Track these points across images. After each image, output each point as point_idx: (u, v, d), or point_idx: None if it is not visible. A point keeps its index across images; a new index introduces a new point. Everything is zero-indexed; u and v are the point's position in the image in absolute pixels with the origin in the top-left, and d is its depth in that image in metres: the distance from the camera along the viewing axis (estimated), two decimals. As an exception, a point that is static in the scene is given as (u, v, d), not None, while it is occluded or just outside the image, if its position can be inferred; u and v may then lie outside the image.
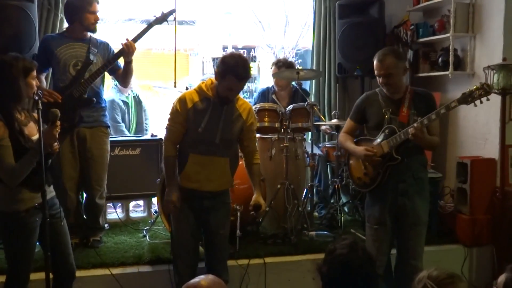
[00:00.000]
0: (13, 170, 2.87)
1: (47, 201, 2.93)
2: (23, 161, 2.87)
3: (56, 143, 2.98)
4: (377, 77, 3.41)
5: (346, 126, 3.67)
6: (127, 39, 4.03)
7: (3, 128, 2.86)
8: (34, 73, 3.03)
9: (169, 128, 3.30)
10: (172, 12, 4.20)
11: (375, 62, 3.37)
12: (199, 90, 3.28)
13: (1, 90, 2.94)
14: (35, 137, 2.97)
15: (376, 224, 3.41)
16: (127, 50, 4.02)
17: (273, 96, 5.08)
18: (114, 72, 4.26)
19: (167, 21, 4.20)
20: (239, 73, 3.13)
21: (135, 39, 4.08)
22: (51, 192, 3.10)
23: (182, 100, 3.24)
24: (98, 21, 4.11)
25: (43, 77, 4.21)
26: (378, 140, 3.37)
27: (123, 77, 4.26)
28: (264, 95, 5.19)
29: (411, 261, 3.37)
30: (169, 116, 3.30)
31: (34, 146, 2.89)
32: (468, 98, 3.11)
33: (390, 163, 3.30)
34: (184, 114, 3.23)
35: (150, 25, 4.17)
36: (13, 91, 2.92)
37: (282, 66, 5.05)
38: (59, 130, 2.93)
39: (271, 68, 5.20)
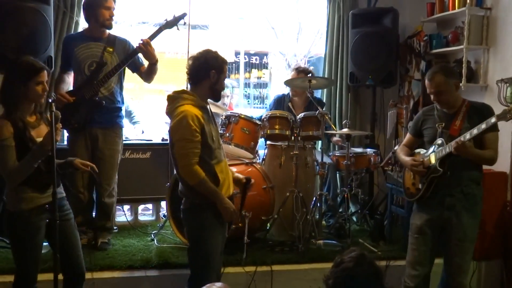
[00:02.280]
0: (12, 170, 2.90)
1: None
2: (22, 162, 2.91)
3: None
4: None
5: (405, 139, 3.76)
6: (142, 39, 4.07)
7: (10, 127, 2.90)
8: (39, 78, 2.98)
9: (191, 152, 3.01)
10: (183, 16, 4.21)
11: (425, 81, 3.41)
12: (195, 103, 3.09)
13: (5, 92, 2.99)
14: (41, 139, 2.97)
15: (417, 233, 3.44)
16: (145, 49, 4.06)
17: (289, 104, 5.09)
18: (137, 69, 4.30)
19: (177, 26, 4.21)
20: (225, 59, 3.19)
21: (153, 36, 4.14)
22: (60, 193, 3.10)
23: (193, 118, 3.00)
24: (113, 16, 4.17)
25: (68, 77, 4.28)
26: (428, 152, 3.40)
27: (147, 75, 4.32)
28: (280, 102, 5.20)
29: (456, 278, 3.39)
30: (183, 140, 3.01)
31: (34, 148, 2.91)
32: (507, 115, 3.05)
33: (433, 174, 3.31)
34: (200, 131, 3.03)
35: (160, 29, 4.19)
36: (11, 94, 2.95)
37: (302, 72, 5.06)
38: (60, 132, 2.96)
39: (291, 73, 5.19)
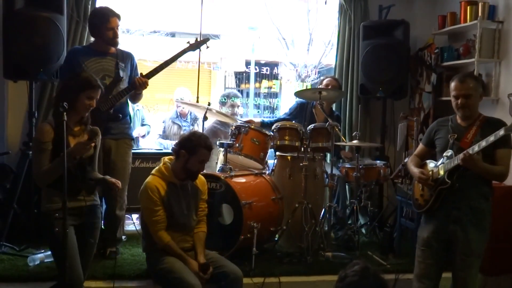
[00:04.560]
0: (41, 172, 3.10)
1: (85, 207, 3.20)
2: (50, 167, 3.07)
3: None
4: (453, 99, 3.36)
5: (417, 148, 3.74)
6: (141, 75, 4.15)
7: (51, 132, 3.09)
8: (92, 93, 3.19)
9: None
10: (206, 41, 4.35)
11: (454, 83, 3.34)
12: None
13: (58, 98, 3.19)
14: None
15: (423, 246, 3.42)
16: (140, 87, 4.13)
17: (313, 111, 5.11)
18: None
19: (200, 49, 4.34)
20: (208, 144, 3.48)
21: (167, 63, 4.20)
22: (94, 201, 3.30)
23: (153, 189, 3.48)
24: (118, 37, 4.17)
25: None
26: (437, 163, 3.38)
27: (133, 98, 4.37)
28: (303, 107, 5.19)
29: None
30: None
31: (62, 155, 2.96)
32: None
33: (441, 186, 3.29)
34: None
35: (183, 51, 4.28)
36: (63, 101, 3.07)
37: (336, 81, 5.12)
38: (92, 146, 3.14)
39: (325, 79, 5.21)
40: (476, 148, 3.12)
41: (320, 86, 5.09)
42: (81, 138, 3.21)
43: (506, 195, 4.34)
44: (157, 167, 3.56)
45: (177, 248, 3.42)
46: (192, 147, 3.43)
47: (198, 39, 4.35)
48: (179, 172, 3.49)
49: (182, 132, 5.73)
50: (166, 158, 3.60)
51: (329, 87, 5.08)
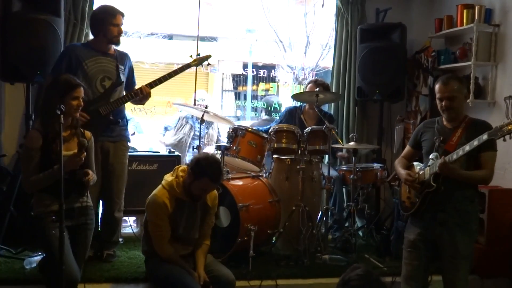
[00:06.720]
0: (29, 180, 3.13)
1: (76, 209, 3.25)
2: (41, 177, 3.10)
3: (91, 175, 3.24)
4: (438, 102, 3.35)
5: (404, 150, 3.73)
6: (143, 87, 4.09)
7: (40, 139, 3.12)
8: (76, 93, 3.23)
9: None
10: (208, 57, 4.35)
11: (438, 86, 3.33)
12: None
13: (43, 106, 3.23)
14: (70, 152, 3.15)
15: (409, 247, 3.43)
16: (145, 97, 4.13)
17: (302, 116, 5.10)
18: (130, 89, 4.27)
19: (202, 65, 4.36)
20: (214, 176, 3.36)
21: (170, 75, 4.16)
22: (87, 202, 3.33)
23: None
24: (122, 34, 4.14)
25: None
26: (424, 166, 3.38)
27: (137, 102, 4.33)
28: (292, 113, 5.19)
29: None
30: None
31: (55, 168, 3.07)
32: (498, 132, 3.00)
33: (427, 189, 3.29)
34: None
35: (187, 66, 4.28)
36: (48, 108, 3.11)
37: (321, 85, 5.07)
38: (83, 159, 3.15)
39: (308, 85, 5.20)
40: (460, 152, 3.13)
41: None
42: (71, 143, 3.23)
43: (503, 197, 4.36)
44: (169, 179, 3.46)
45: (179, 259, 3.40)
46: (198, 172, 3.33)
47: (199, 53, 4.37)
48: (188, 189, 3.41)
49: (192, 133, 5.71)
50: (180, 170, 3.49)
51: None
